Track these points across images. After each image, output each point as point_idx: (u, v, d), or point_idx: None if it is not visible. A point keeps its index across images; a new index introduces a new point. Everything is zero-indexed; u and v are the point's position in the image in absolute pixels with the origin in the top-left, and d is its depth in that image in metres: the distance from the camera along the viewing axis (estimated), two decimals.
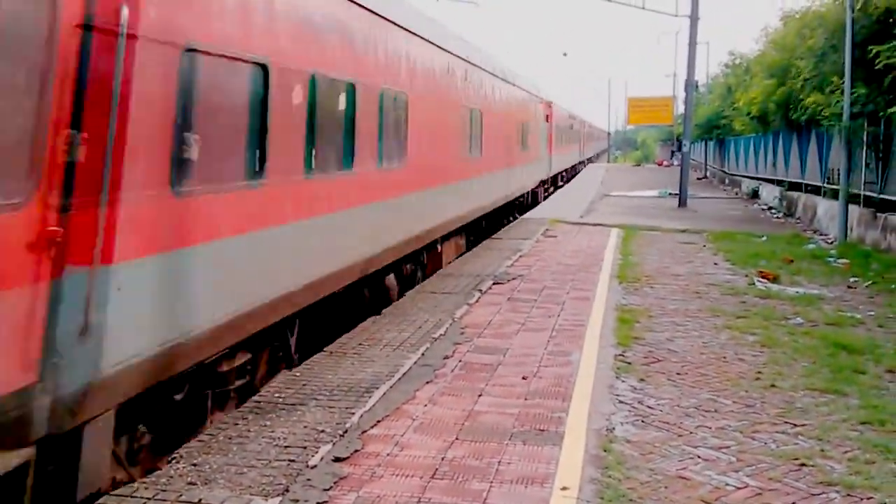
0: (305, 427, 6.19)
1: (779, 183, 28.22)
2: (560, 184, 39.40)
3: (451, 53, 13.89)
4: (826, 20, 18.98)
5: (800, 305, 11.04)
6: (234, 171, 6.49)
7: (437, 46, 12.88)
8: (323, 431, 6.08)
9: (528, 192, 26.31)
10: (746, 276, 13.41)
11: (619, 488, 5.15)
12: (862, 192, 17.97)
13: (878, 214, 16.73)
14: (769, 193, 29.75)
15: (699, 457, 5.72)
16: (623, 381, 7.43)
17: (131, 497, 5.03)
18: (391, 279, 11.46)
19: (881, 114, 16.24)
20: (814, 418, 6.56)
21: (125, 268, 5.04)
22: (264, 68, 6.73)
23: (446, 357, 8.12)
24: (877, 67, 15.20)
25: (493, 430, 6.11)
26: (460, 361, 7.99)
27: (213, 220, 6.07)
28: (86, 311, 4.71)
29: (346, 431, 6.04)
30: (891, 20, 14.88)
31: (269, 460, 5.57)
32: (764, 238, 18.90)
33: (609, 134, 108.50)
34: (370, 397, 6.83)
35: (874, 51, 15.10)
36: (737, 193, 36.35)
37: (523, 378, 7.44)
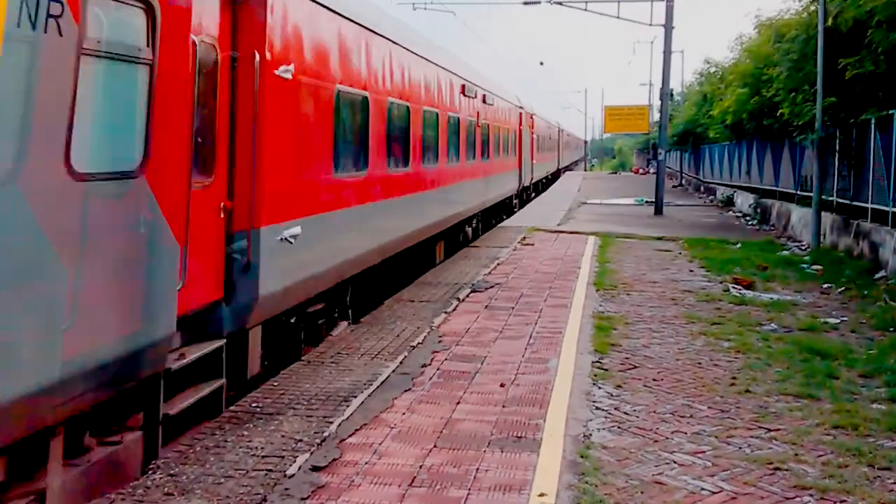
0: (283, 436, 6.18)
1: (753, 191, 28.52)
2: None
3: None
4: (798, 29, 19.21)
5: (774, 311, 11.16)
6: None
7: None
8: (301, 440, 6.08)
9: None
10: (721, 282, 13.54)
11: (596, 494, 5.18)
12: (835, 200, 18.21)
13: (851, 221, 16.95)
14: (744, 201, 30.05)
15: (675, 462, 5.77)
16: (600, 388, 7.47)
17: None
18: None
19: (852, 121, 16.48)
20: (788, 423, 6.63)
21: None
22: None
23: (424, 365, 8.13)
24: (847, 78, 15.39)
25: (471, 438, 6.13)
26: (438, 369, 8.01)
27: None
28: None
29: (323, 440, 6.03)
30: (865, 28, 15.04)
31: (247, 470, 5.55)
32: (738, 245, 19.09)
33: (586, 142, 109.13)
34: (348, 406, 6.82)
35: (841, 63, 15.31)
36: (712, 201, 36.68)
37: (501, 385, 7.47)
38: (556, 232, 21.33)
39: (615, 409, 6.91)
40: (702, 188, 43.66)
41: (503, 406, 6.90)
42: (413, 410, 6.78)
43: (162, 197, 5.51)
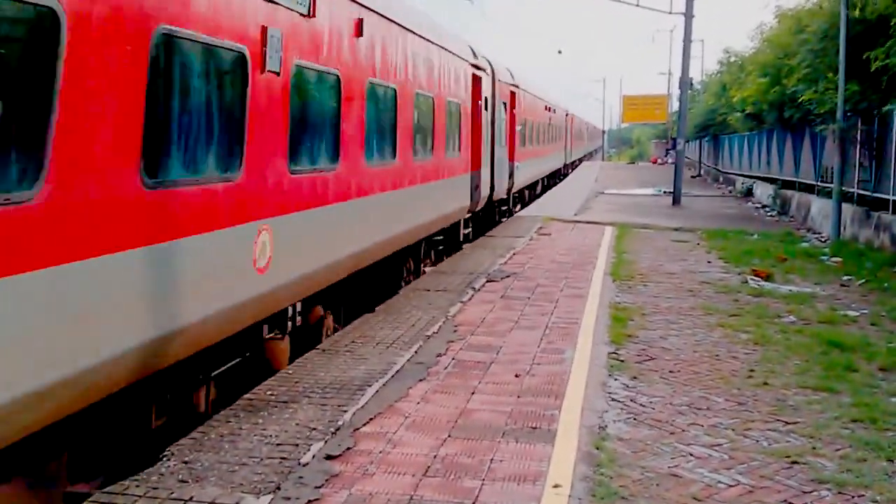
0: (297, 425, 6.18)
1: (773, 181, 28.27)
2: None
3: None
4: (821, 17, 18.98)
5: (793, 303, 11.06)
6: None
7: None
8: (315, 429, 6.07)
9: None
10: (740, 274, 13.44)
11: (611, 486, 5.15)
12: (855, 191, 18.01)
13: (872, 213, 16.77)
14: (763, 192, 29.80)
15: (691, 454, 5.73)
16: (616, 379, 7.43)
17: (122, 494, 5.01)
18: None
19: (875, 113, 16.26)
20: (806, 416, 6.57)
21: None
22: None
23: (439, 355, 8.11)
24: (872, 69, 15.05)
25: (486, 428, 6.11)
26: (453, 359, 7.99)
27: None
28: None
29: (338, 429, 6.03)
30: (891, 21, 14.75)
31: (261, 458, 5.56)
32: (757, 236, 18.94)
33: (604, 132, 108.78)
34: (363, 395, 6.82)
35: (867, 55, 15.04)
36: (731, 191, 36.41)
37: (516, 376, 7.44)
38: (572, 222, 21.25)
39: (631, 400, 6.87)
40: (720, 178, 43.35)
41: (518, 396, 6.87)
42: (428, 400, 6.76)
43: (509, 150, 21.36)
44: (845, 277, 13.40)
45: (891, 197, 15.71)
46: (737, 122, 33.46)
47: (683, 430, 6.19)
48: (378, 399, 6.72)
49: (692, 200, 29.51)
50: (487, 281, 12.30)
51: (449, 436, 5.95)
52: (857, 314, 10.56)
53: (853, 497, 5.12)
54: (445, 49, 13.43)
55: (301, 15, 7.36)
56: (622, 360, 8.06)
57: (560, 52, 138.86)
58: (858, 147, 17.92)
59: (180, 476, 5.28)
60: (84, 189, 4.67)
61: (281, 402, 6.69)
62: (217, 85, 6.21)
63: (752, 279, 12.89)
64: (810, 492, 5.17)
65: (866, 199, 17.42)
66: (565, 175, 45.83)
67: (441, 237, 15.00)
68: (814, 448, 5.88)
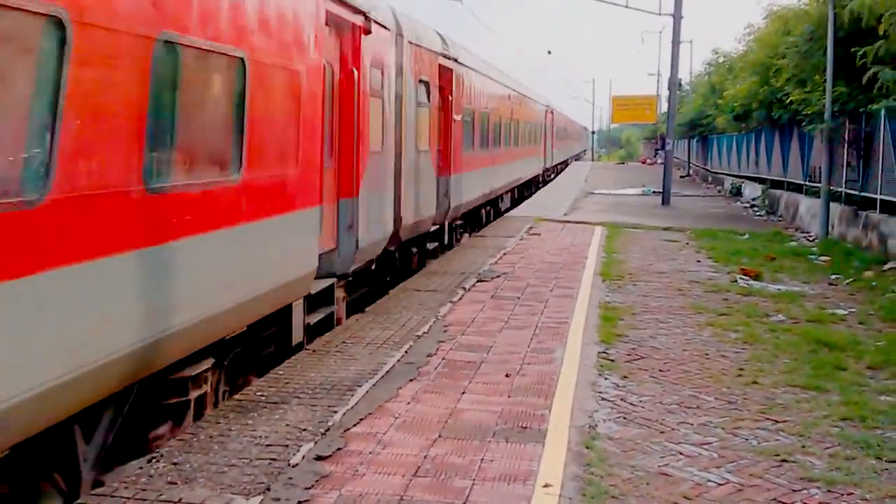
0: (287, 425, 6.15)
1: (761, 181, 28.38)
2: None
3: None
4: (809, 17, 19.03)
5: (781, 302, 11.10)
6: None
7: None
8: (305, 430, 6.05)
9: None
10: (729, 273, 13.48)
11: (602, 485, 5.15)
12: (843, 190, 18.08)
13: (860, 212, 16.84)
14: (752, 191, 29.91)
15: (681, 453, 5.74)
16: (606, 379, 7.44)
17: (111, 497, 4.98)
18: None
19: (862, 111, 16.31)
20: (795, 415, 6.59)
21: None
22: None
23: (430, 355, 8.10)
24: (871, 71, 14.67)
25: (476, 428, 6.10)
26: (443, 359, 7.98)
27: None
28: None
29: (328, 430, 6.01)
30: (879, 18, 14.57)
31: (251, 459, 5.53)
32: (746, 236, 19.01)
33: (593, 133, 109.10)
34: (353, 395, 6.80)
35: (855, 50, 14.97)
36: (719, 191, 36.53)
37: (506, 376, 7.43)
38: (562, 222, 21.27)
39: (621, 399, 6.88)
40: (709, 178, 43.49)
41: (508, 396, 6.87)
42: (418, 400, 6.75)
43: (551, 144, 44.15)
44: (833, 276, 13.46)
45: (878, 196, 15.79)
46: (725, 123, 33.55)
47: (673, 429, 6.20)
48: (368, 399, 6.71)
49: (681, 200, 29.60)
50: (478, 281, 12.29)
51: (439, 436, 5.94)
52: (846, 313, 10.61)
53: (842, 495, 5.13)
54: (538, 102, 33.84)
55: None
56: (612, 360, 8.07)
57: (550, 52, 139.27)
58: (846, 147, 17.99)
59: (169, 478, 5.24)
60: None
61: (271, 403, 6.66)
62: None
63: (741, 278, 12.93)
64: (800, 490, 5.18)
65: (854, 199, 17.49)
66: (568, 163, 64.27)
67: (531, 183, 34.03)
68: (803, 446, 5.90)
